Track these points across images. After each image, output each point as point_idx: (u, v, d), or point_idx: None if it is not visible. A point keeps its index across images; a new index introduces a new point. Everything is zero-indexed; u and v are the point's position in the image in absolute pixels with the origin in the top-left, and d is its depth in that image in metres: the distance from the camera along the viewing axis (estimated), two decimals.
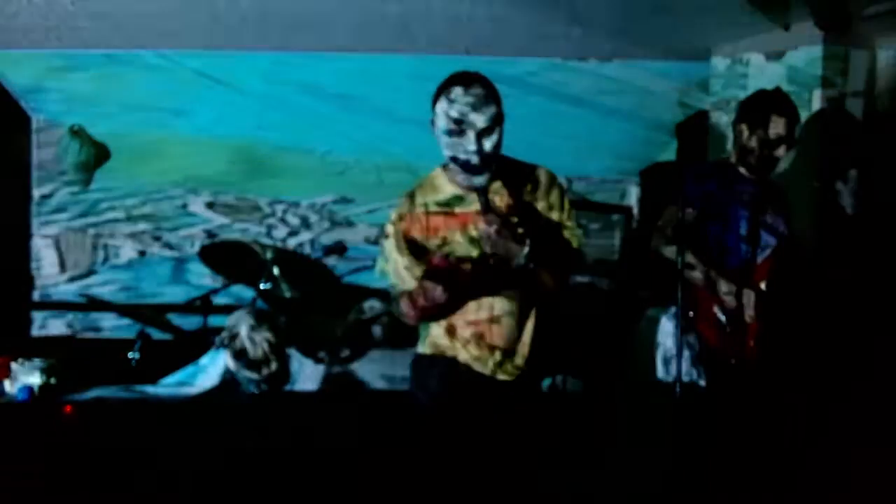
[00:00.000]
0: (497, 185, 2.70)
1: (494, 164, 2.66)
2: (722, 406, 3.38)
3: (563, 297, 2.87)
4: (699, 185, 3.46)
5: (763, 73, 4.71)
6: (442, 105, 2.64)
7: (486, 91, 2.63)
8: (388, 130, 5.14)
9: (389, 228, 2.78)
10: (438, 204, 2.74)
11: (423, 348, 2.84)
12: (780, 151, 3.48)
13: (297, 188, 5.22)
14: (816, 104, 4.52)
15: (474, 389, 2.74)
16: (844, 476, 3.46)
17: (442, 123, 2.63)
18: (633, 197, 5.39)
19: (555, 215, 2.78)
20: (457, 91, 2.63)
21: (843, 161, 4.55)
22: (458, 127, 2.60)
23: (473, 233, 2.68)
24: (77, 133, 5.04)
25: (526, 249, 2.59)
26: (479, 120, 2.60)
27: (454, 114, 2.60)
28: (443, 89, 2.66)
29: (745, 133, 3.52)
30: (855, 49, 4.58)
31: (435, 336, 2.79)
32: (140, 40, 4.90)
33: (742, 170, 3.54)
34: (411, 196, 2.78)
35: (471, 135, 2.60)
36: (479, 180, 2.64)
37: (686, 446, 3.34)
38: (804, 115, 4.54)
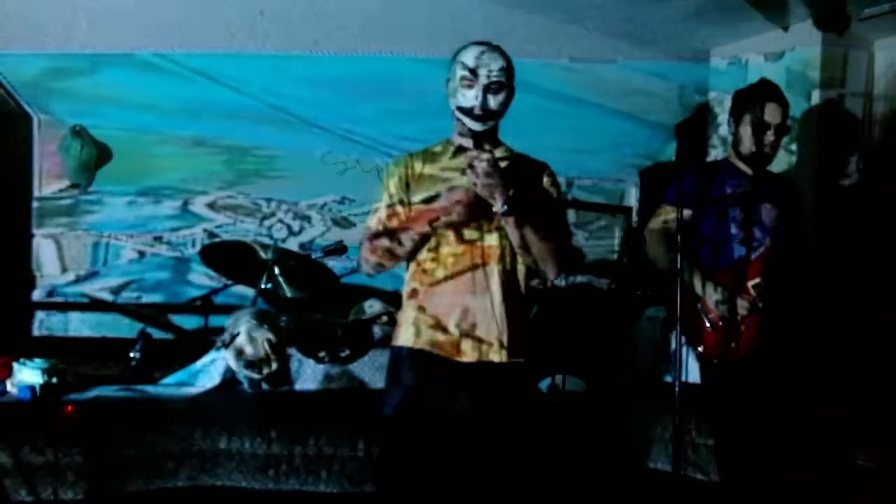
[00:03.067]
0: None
1: (494, 124, 2.77)
2: (717, 406, 3.37)
3: (562, 296, 2.87)
4: (693, 184, 3.41)
5: (762, 74, 4.71)
6: (459, 57, 2.77)
7: (500, 53, 2.78)
8: (387, 130, 5.15)
9: (388, 168, 2.87)
10: (433, 154, 2.84)
11: (403, 341, 2.80)
12: (772, 137, 3.41)
13: (297, 188, 5.23)
14: (815, 104, 4.53)
15: (455, 380, 2.72)
16: (842, 476, 3.46)
17: (457, 73, 2.75)
18: (633, 197, 5.39)
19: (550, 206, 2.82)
20: (474, 47, 2.77)
21: (842, 161, 4.55)
22: (470, 76, 2.72)
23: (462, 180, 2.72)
24: (78, 133, 5.04)
25: (510, 192, 2.63)
26: (488, 74, 2.73)
27: (468, 62, 2.73)
28: (463, 48, 2.79)
29: (736, 123, 3.48)
30: (854, 50, 4.59)
31: (415, 327, 2.77)
32: (140, 40, 4.90)
33: (739, 165, 3.49)
34: (410, 154, 2.88)
35: (478, 88, 2.72)
36: (477, 126, 2.74)
37: (685, 446, 3.34)
38: (804, 116, 4.56)
